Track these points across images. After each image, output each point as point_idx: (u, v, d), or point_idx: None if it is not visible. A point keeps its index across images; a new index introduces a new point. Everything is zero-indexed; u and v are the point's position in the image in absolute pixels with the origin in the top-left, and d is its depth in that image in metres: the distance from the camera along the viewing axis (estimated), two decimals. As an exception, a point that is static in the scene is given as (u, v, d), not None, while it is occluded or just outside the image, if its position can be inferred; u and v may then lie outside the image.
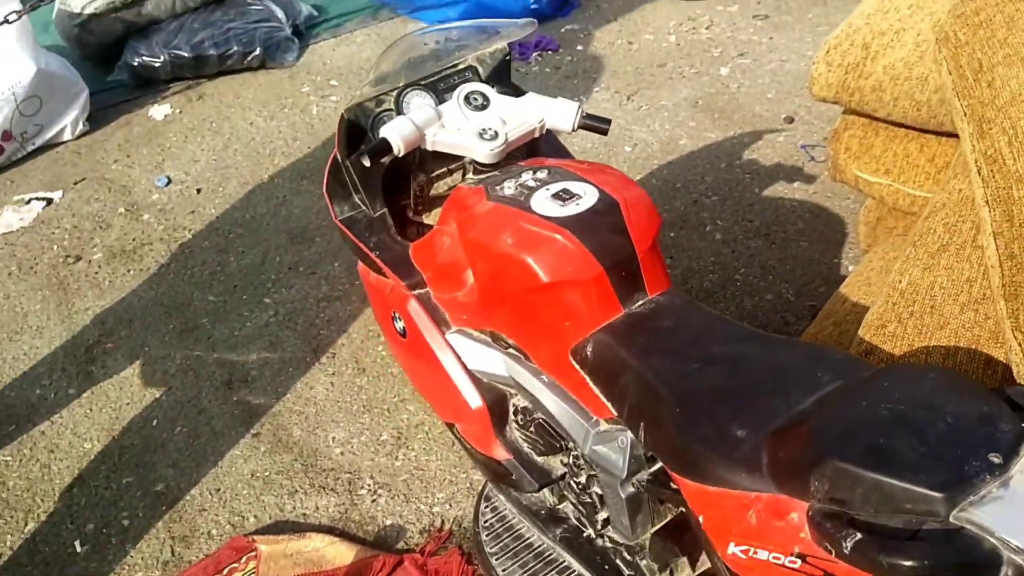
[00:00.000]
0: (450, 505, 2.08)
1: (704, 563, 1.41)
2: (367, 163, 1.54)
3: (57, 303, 2.86)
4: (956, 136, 2.15)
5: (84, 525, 2.13)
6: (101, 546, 2.07)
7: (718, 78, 3.92)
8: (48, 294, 2.91)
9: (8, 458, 2.32)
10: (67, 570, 2.03)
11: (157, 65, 4.09)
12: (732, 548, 1.11)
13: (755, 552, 1.09)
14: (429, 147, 1.60)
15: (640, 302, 1.41)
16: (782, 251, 2.79)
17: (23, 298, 2.90)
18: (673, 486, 1.32)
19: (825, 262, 2.74)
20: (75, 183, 3.50)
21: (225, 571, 1.97)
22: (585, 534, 1.66)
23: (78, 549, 2.07)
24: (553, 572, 1.66)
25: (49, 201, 3.38)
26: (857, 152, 2.35)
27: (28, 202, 3.35)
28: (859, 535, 0.94)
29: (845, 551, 0.95)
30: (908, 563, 0.90)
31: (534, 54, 4.28)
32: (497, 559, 1.71)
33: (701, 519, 1.17)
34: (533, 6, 4.48)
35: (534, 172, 1.54)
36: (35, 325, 2.78)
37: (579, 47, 4.35)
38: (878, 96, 2.10)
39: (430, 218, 1.84)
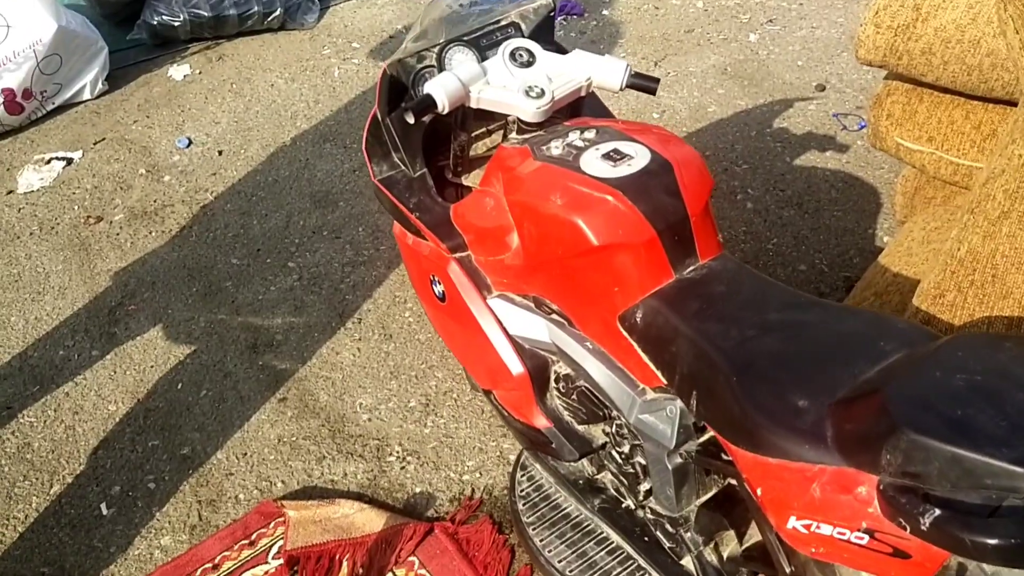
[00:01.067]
0: (480, 473, 2.05)
1: (751, 537, 1.38)
2: (411, 120, 1.49)
3: (79, 264, 2.83)
4: (1005, 103, 2.09)
5: (110, 488, 2.11)
6: (127, 509, 2.06)
7: (747, 45, 3.84)
8: (70, 255, 2.87)
9: (33, 419, 2.30)
10: (93, 532, 2.01)
11: (176, 24, 4.02)
12: (793, 522, 1.08)
13: (818, 527, 1.05)
14: (473, 104, 1.55)
15: (692, 267, 1.37)
16: (815, 221, 2.74)
17: (45, 258, 2.87)
18: (725, 457, 1.28)
19: (859, 232, 2.68)
20: (95, 143, 3.46)
21: (253, 536, 1.95)
22: (624, 505, 1.63)
23: (104, 512, 2.05)
24: (591, 543, 1.63)
25: (69, 161, 3.34)
26: (900, 119, 2.28)
27: (48, 162, 3.31)
28: (937, 511, 0.91)
29: (923, 528, 0.91)
30: (992, 541, 0.87)
31: (559, 18, 4.20)
32: (534, 529, 1.68)
33: (759, 492, 1.13)
34: (558, -31, 4.39)
35: (581, 132, 1.49)
36: (57, 285, 2.75)
37: (604, 12, 4.26)
38: (927, 59, 2.03)
39: (469, 180, 1.79)
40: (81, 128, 3.57)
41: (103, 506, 2.07)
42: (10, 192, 3.21)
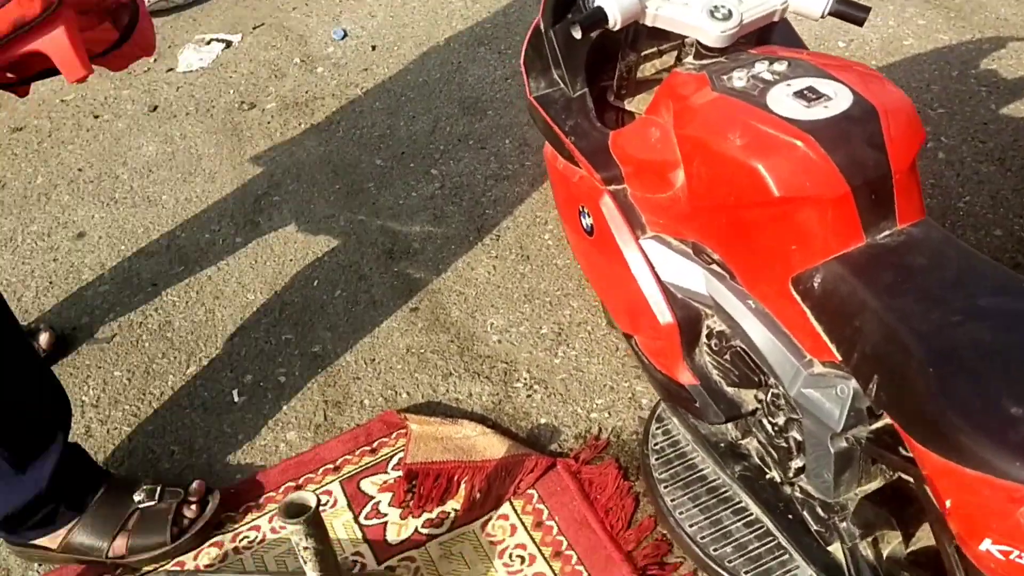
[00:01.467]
0: (609, 413, 1.96)
1: (920, 540, 1.22)
2: (577, 35, 1.34)
3: (230, 149, 2.85)
4: None
5: (243, 375, 2.14)
6: (258, 399, 2.08)
7: (957, -31, 3.40)
8: (222, 139, 2.90)
9: (175, 299, 2.35)
10: (224, 418, 2.05)
11: (342, -91, 3.92)
12: (987, 545, 0.93)
13: (1020, 556, 0.90)
14: (649, 23, 1.38)
15: (887, 232, 1.18)
16: (1018, 180, 2.41)
17: (198, 140, 2.90)
18: (904, 452, 1.13)
19: (1070, 199, 2.36)
20: (254, 28, 3.45)
21: (375, 444, 1.94)
22: (769, 476, 1.49)
23: (235, 399, 2.09)
24: (727, 511, 1.51)
25: (228, 44, 3.35)
26: None
27: (208, 43, 3.33)
28: None
29: None
30: None
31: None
32: (666, 487, 1.57)
33: (948, 503, 0.97)
34: None
35: (770, 63, 1.30)
36: (208, 169, 2.78)
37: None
38: None
39: (633, 104, 1.63)
40: (242, 11, 3.56)
41: (235, 393, 2.10)
42: (170, 70, 3.26)
